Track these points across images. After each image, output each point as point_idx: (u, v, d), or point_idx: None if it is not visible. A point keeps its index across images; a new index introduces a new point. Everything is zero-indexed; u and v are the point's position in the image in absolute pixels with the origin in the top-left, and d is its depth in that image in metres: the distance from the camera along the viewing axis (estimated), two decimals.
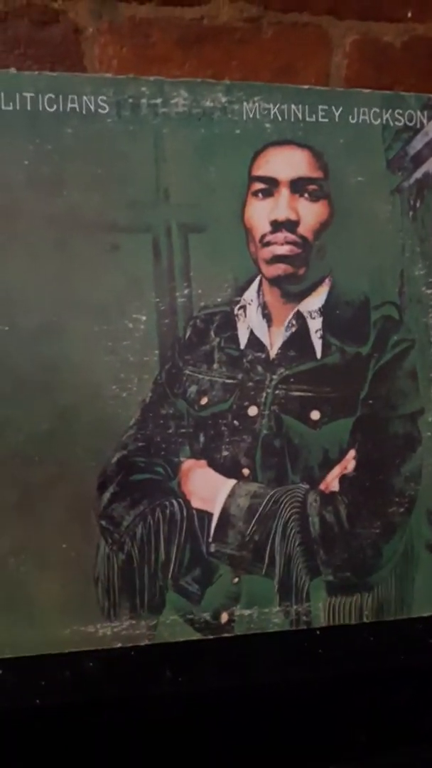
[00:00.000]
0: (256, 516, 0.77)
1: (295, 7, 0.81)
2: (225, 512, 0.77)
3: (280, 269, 0.78)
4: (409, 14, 0.84)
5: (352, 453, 0.79)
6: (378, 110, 0.80)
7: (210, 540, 0.77)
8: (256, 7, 0.80)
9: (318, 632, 0.79)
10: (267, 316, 0.78)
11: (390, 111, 0.81)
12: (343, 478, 0.79)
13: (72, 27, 0.76)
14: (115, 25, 0.77)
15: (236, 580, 0.77)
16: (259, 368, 0.78)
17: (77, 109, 0.73)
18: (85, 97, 0.73)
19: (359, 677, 0.77)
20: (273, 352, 0.78)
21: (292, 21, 0.81)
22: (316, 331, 0.79)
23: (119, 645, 0.74)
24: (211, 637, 0.76)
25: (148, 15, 0.78)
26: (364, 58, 0.84)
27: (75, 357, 0.73)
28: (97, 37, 0.77)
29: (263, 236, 0.77)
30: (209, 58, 0.79)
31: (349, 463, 0.79)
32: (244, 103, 0.77)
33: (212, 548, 0.77)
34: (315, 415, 0.79)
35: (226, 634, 0.77)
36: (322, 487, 0.79)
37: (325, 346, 0.79)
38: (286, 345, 0.79)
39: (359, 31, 0.84)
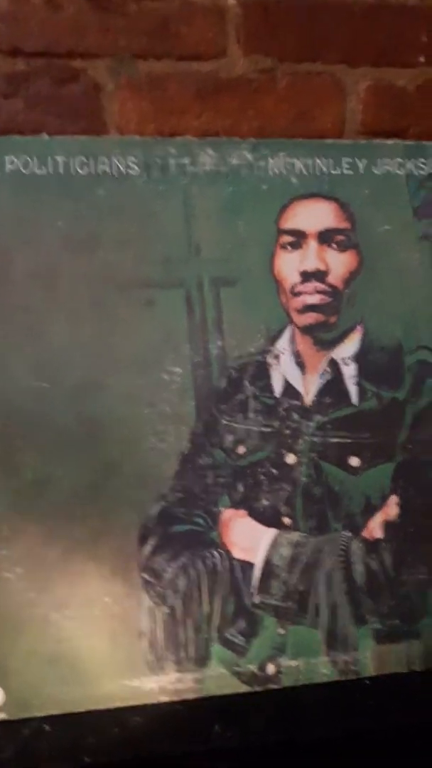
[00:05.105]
0: (300, 565, 0.76)
1: (308, 57, 0.83)
2: (268, 563, 0.76)
3: (311, 318, 0.79)
4: (422, 59, 0.86)
5: (394, 498, 0.79)
6: (401, 160, 0.82)
7: (253, 591, 0.76)
8: (271, 58, 0.82)
9: (367, 682, 0.77)
10: (300, 364, 0.79)
11: (413, 160, 0.82)
12: (387, 525, 0.78)
13: (92, 84, 0.79)
14: (134, 80, 0.80)
15: (282, 631, 0.76)
16: (295, 416, 0.78)
17: (108, 171, 0.75)
18: (115, 159, 0.76)
19: (410, 728, 0.74)
20: (308, 400, 0.79)
21: (306, 70, 0.83)
22: (351, 378, 0.79)
23: (166, 699, 0.73)
24: (258, 689, 0.75)
25: (166, 70, 0.80)
26: (379, 103, 0.85)
27: (114, 411, 0.74)
28: (117, 92, 0.79)
29: (293, 287, 0.78)
30: (226, 109, 0.81)
31: (392, 508, 0.79)
32: (270, 159, 0.79)
33: (256, 599, 0.76)
34: (354, 461, 0.78)
35: (273, 686, 0.75)
36: (365, 534, 0.78)
37: (361, 392, 0.79)
38: (322, 392, 0.79)
39: (373, 77, 0.85)
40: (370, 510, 0.79)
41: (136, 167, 0.76)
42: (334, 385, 0.79)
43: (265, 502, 0.77)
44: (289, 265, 0.78)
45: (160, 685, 0.73)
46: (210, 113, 0.81)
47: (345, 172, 0.81)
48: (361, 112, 0.85)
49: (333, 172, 0.81)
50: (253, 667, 0.76)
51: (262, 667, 0.76)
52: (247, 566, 0.76)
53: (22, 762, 0.66)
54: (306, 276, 0.78)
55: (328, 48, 0.84)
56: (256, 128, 0.82)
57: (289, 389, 0.79)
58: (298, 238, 0.79)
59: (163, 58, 0.80)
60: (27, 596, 0.72)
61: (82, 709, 0.71)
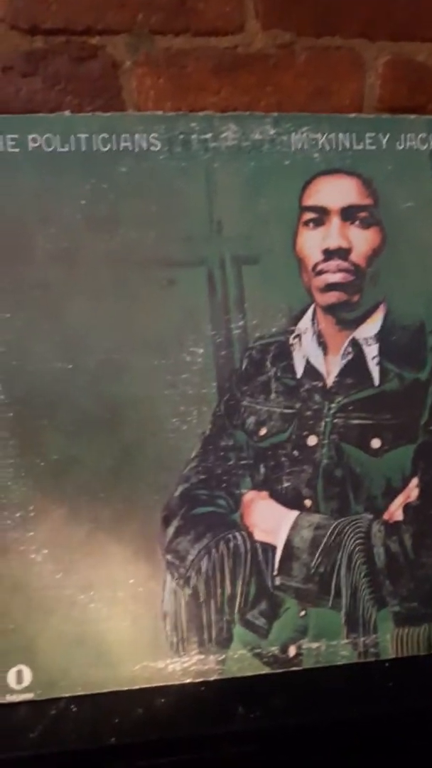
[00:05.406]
0: (321, 548, 0.76)
1: (327, 31, 0.82)
2: (289, 545, 0.76)
3: (334, 297, 0.78)
4: None
5: (414, 481, 0.79)
6: (425, 135, 0.80)
7: (275, 573, 0.76)
8: (289, 33, 0.81)
9: (387, 664, 0.77)
10: (322, 345, 0.78)
11: None
12: (407, 507, 0.78)
13: (110, 61, 0.78)
14: (152, 57, 0.78)
15: (303, 613, 0.77)
16: (317, 397, 0.78)
17: (130, 148, 0.74)
18: (137, 135, 0.74)
19: (429, 711, 0.75)
20: (330, 381, 0.78)
21: (325, 45, 0.82)
22: (373, 358, 0.79)
23: (189, 680, 0.74)
24: (279, 671, 0.75)
25: (183, 46, 0.79)
26: (398, 78, 0.84)
27: (136, 392, 0.74)
28: (135, 69, 0.78)
29: (316, 265, 0.77)
30: (244, 85, 0.80)
31: (413, 491, 0.78)
32: (292, 134, 0.77)
33: (277, 581, 0.76)
34: (376, 443, 0.78)
35: (294, 668, 0.76)
36: (385, 516, 0.78)
37: (383, 372, 0.79)
38: (343, 373, 0.78)
39: (392, 51, 0.84)
40: (391, 492, 0.78)
41: (158, 143, 0.74)
42: (356, 366, 0.79)
43: (286, 484, 0.77)
44: (312, 243, 0.77)
45: (183, 666, 0.74)
46: (228, 89, 0.80)
47: (368, 147, 0.79)
48: (380, 87, 0.84)
49: (356, 147, 0.79)
50: (274, 649, 0.76)
51: (283, 649, 0.76)
52: (269, 548, 0.76)
53: (49, 741, 0.67)
54: (328, 254, 0.77)
55: (347, 21, 0.82)
56: (274, 104, 0.81)
57: (310, 370, 0.78)
58: (321, 214, 0.77)
59: (180, 34, 0.79)
60: (54, 578, 0.72)
61: (107, 690, 0.72)
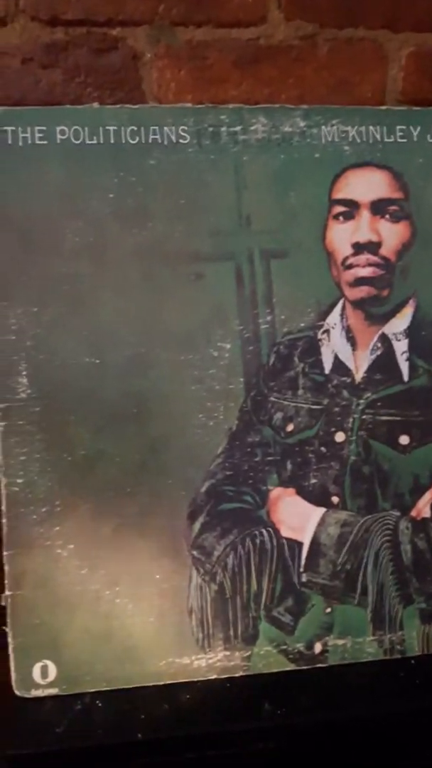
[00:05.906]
0: (347, 545, 0.76)
1: (350, 23, 0.81)
2: (315, 541, 0.76)
3: (363, 291, 0.77)
4: None
5: None
6: None
7: (301, 570, 0.76)
8: (312, 24, 0.80)
9: (412, 661, 0.77)
10: (351, 340, 0.77)
11: None
12: None
13: (130, 53, 0.77)
14: (173, 49, 0.78)
15: (329, 609, 0.76)
16: (345, 393, 0.77)
17: (159, 140, 0.74)
18: (166, 128, 0.74)
19: None
20: (359, 376, 0.77)
21: (347, 37, 0.81)
22: (402, 354, 0.78)
23: (214, 676, 0.74)
24: (305, 667, 0.75)
25: (205, 37, 0.79)
26: (421, 70, 0.83)
27: (163, 387, 0.74)
28: (155, 61, 0.78)
29: (345, 259, 0.76)
30: (266, 77, 0.80)
31: None
32: (323, 127, 0.77)
33: (304, 578, 0.76)
34: (404, 439, 0.77)
35: (320, 665, 0.76)
36: (413, 513, 0.77)
37: (412, 368, 0.78)
38: (372, 368, 0.78)
39: (415, 43, 0.83)
40: (418, 489, 0.78)
41: (187, 136, 0.74)
42: (385, 362, 0.78)
43: (313, 481, 0.76)
44: (341, 237, 0.77)
45: (208, 662, 0.74)
46: (250, 82, 0.80)
47: (398, 140, 0.79)
48: (402, 79, 0.83)
49: (386, 140, 0.78)
50: (300, 646, 0.76)
51: (309, 646, 0.76)
52: (295, 545, 0.76)
53: (74, 736, 0.67)
54: (358, 248, 0.76)
55: (370, 12, 0.82)
56: (296, 97, 0.81)
57: (339, 365, 0.77)
58: (351, 208, 0.77)
59: (202, 25, 0.78)
60: (79, 573, 0.72)
61: (132, 686, 0.72)
